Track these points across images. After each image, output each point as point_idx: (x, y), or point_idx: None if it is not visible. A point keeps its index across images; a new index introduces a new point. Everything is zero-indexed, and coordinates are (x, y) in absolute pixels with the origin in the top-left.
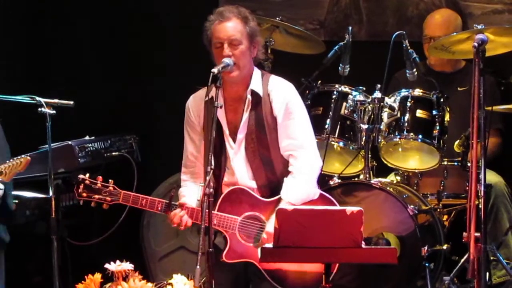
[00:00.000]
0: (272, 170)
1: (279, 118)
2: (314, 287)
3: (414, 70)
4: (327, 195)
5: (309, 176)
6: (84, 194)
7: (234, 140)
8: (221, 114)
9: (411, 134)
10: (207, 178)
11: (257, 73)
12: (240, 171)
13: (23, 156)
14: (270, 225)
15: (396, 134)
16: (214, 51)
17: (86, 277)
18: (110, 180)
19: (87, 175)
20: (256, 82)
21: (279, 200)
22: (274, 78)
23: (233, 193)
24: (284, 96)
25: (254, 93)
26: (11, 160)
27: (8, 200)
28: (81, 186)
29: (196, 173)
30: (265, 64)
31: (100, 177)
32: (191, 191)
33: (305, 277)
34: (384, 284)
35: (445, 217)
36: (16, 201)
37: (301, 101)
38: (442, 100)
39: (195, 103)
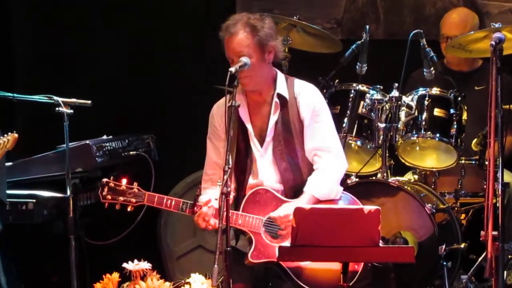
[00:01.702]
0: (299, 173)
1: (306, 120)
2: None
3: (432, 68)
4: (349, 195)
5: (334, 175)
6: (109, 197)
7: (261, 143)
8: (246, 118)
9: (429, 132)
10: (225, 177)
11: (281, 76)
12: (267, 174)
13: (9, 133)
14: (283, 207)
15: (414, 132)
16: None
17: (104, 276)
18: (134, 182)
19: (111, 178)
20: (282, 86)
21: None
22: (299, 81)
23: (258, 194)
24: (311, 99)
25: (280, 96)
26: None
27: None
28: (105, 189)
29: (217, 181)
30: (282, 63)
31: (124, 179)
32: (211, 197)
33: (329, 276)
34: (402, 283)
35: (463, 215)
36: (34, 200)
37: (326, 104)
38: (459, 98)
39: (218, 110)
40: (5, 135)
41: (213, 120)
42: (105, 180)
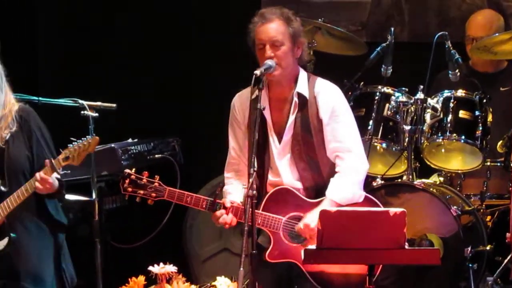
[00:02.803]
0: (318, 172)
1: (325, 120)
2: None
3: (457, 71)
4: (372, 197)
5: (356, 178)
6: (129, 189)
7: (279, 140)
8: (266, 113)
9: (454, 135)
10: (250, 180)
11: (303, 75)
12: (286, 172)
13: (89, 136)
14: (308, 218)
15: (439, 135)
16: (257, 53)
17: (129, 279)
18: (156, 176)
19: (133, 170)
20: (302, 84)
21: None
22: (321, 81)
23: (279, 193)
24: (330, 99)
25: (300, 95)
26: (77, 142)
27: (58, 216)
28: (127, 181)
29: (240, 171)
30: (308, 65)
31: (146, 173)
32: (236, 189)
33: (348, 278)
34: (427, 285)
35: (488, 217)
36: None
37: (347, 104)
38: (484, 100)
39: (240, 101)
40: (87, 137)
41: (234, 111)
42: (127, 171)
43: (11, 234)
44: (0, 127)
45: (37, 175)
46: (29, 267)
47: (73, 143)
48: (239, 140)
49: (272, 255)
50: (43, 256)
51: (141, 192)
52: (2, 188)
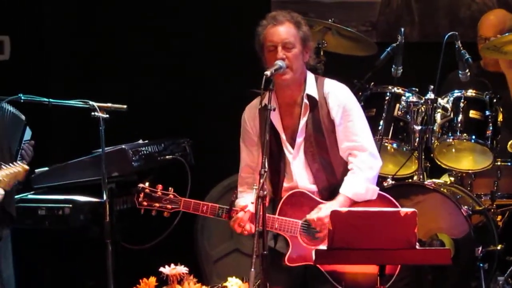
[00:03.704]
0: (332, 173)
1: (337, 120)
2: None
3: (467, 71)
4: (386, 195)
5: (369, 174)
6: (145, 203)
7: (293, 145)
8: (276, 120)
9: (464, 134)
10: (261, 180)
11: (310, 77)
12: (300, 176)
13: (20, 164)
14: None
15: (449, 135)
16: (266, 55)
17: (140, 280)
18: (170, 188)
19: (147, 184)
20: (311, 86)
21: None
22: (329, 81)
23: (294, 196)
24: (340, 99)
25: (310, 97)
26: (9, 166)
27: (9, 208)
28: (141, 195)
29: (253, 184)
30: (318, 66)
31: (160, 186)
32: (247, 202)
33: (366, 278)
34: (439, 284)
35: (499, 217)
36: (70, 205)
37: (357, 102)
38: (494, 100)
39: (250, 113)
40: (16, 165)
41: (245, 124)
42: (140, 186)
43: None
44: None
45: None
46: None
47: (3, 166)
48: (254, 152)
49: (291, 259)
50: None
51: (157, 205)
52: None
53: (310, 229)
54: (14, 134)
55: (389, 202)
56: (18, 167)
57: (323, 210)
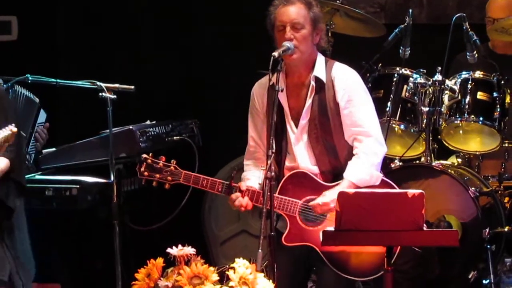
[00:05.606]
0: (335, 156)
1: (342, 104)
2: (374, 272)
3: (475, 52)
4: (388, 180)
5: (374, 160)
6: (146, 173)
7: (296, 126)
8: (283, 99)
9: (472, 116)
10: (269, 161)
11: (320, 59)
12: (303, 157)
13: (9, 127)
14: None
15: (457, 116)
16: (276, 35)
17: (148, 261)
18: (172, 160)
19: (150, 154)
20: (320, 68)
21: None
22: (338, 65)
23: (295, 176)
24: (348, 83)
25: (317, 79)
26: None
27: (19, 178)
28: (143, 165)
29: (259, 159)
30: (326, 47)
31: (163, 157)
32: (254, 174)
33: (365, 261)
34: (446, 266)
35: (506, 199)
36: (78, 186)
37: (365, 87)
38: (502, 82)
39: (259, 89)
40: (5, 128)
41: (253, 100)
42: (143, 156)
43: None
44: None
45: None
46: None
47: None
48: (258, 128)
49: (288, 239)
50: None
51: (157, 176)
52: None
53: (309, 210)
54: (28, 117)
55: (392, 188)
56: (7, 130)
57: (328, 195)
